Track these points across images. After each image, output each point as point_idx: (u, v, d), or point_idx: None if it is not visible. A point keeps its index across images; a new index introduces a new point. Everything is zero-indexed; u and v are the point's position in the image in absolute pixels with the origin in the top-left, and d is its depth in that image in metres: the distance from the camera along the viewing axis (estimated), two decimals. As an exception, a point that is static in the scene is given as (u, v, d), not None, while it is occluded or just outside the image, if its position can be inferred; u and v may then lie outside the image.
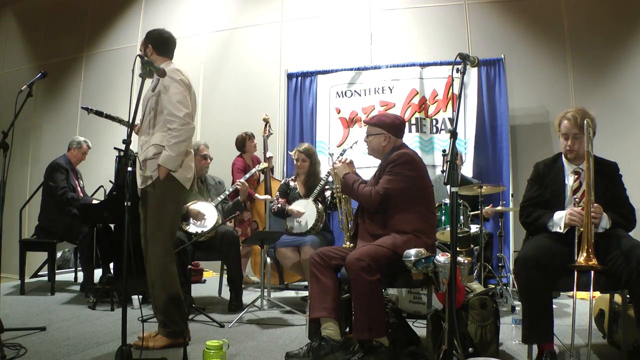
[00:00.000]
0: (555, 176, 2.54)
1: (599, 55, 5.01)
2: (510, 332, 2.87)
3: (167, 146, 2.66)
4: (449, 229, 3.55)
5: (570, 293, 3.53)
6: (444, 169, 4.39)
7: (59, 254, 5.35)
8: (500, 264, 4.28)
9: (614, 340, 2.64)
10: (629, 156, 4.52)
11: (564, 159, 2.57)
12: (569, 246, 2.30)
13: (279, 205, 3.97)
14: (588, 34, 5.07)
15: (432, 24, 5.53)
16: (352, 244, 2.81)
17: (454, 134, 2.10)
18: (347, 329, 2.67)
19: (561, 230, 2.36)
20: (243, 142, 4.95)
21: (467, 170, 4.74)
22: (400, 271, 2.49)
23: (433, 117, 5.03)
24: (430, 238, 2.64)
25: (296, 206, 3.94)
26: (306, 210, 3.90)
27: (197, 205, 3.79)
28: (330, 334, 2.46)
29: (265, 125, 4.79)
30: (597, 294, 2.78)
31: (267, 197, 4.46)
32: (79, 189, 4.70)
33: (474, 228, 3.83)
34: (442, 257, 2.31)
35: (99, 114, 3.36)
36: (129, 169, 2.48)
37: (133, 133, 2.46)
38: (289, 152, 4.13)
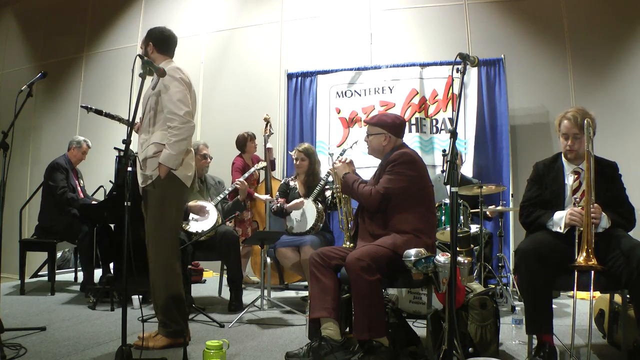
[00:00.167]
0: (555, 176, 2.54)
1: (599, 55, 5.01)
2: (510, 332, 2.87)
3: (168, 144, 2.66)
4: (449, 229, 3.55)
5: (570, 293, 3.54)
6: (444, 169, 4.39)
7: (59, 254, 5.34)
8: (500, 264, 4.28)
9: (614, 340, 2.64)
10: (629, 156, 4.52)
11: (563, 158, 2.57)
12: (569, 245, 2.30)
13: (279, 204, 3.97)
14: (588, 34, 5.07)
15: (432, 24, 5.53)
16: (352, 244, 2.81)
17: (454, 134, 2.10)
18: (347, 329, 2.67)
19: (561, 230, 2.36)
20: (244, 142, 4.95)
21: (467, 170, 4.74)
22: (400, 271, 2.49)
23: (433, 117, 5.03)
24: (430, 238, 2.64)
25: (295, 201, 3.94)
26: (306, 209, 3.90)
27: (197, 204, 3.80)
28: (330, 334, 2.46)
29: (266, 125, 4.79)
30: (597, 294, 2.78)
31: (267, 197, 4.46)
32: (79, 188, 4.70)
33: (474, 228, 3.83)
34: (442, 257, 2.31)
35: (99, 112, 3.36)
36: (129, 168, 2.48)
37: (133, 132, 2.46)
38: (290, 152, 4.13)
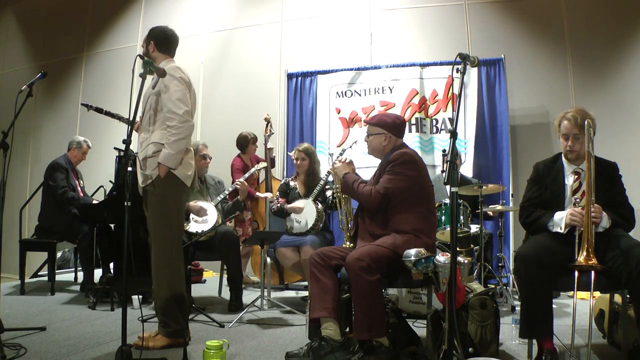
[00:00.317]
0: (555, 176, 2.54)
1: (599, 55, 5.01)
2: (510, 332, 2.86)
3: (167, 144, 2.66)
4: (449, 229, 3.55)
5: (570, 293, 3.55)
6: (444, 169, 4.39)
7: (59, 254, 5.34)
8: (500, 264, 4.28)
9: (614, 340, 2.64)
10: (629, 156, 4.52)
11: (563, 159, 2.57)
12: (570, 246, 2.30)
13: (279, 204, 3.97)
14: (588, 34, 5.07)
15: (432, 24, 5.53)
16: (352, 244, 2.81)
17: (454, 134, 2.10)
18: (347, 329, 2.67)
19: (562, 231, 2.36)
20: (246, 143, 4.92)
21: (467, 170, 4.74)
22: (400, 271, 2.49)
23: (433, 117, 5.03)
24: (430, 238, 2.64)
25: (296, 204, 3.94)
26: (306, 210, 3.90)
27: (197, 204, 3.80)
28: (330, 334, 2.46)
29: (267, 125, 4.77)
30: (597, 294, 2.77)
31: (268, 194, 4.46)
32: (79, 188, 4.70)
33: (474, 228, 3.83)
34: (442, 257, 2.31)
35: (99, 110, 3.37)
36: (129, 168, 2.48)
37: (133, 132, 2.46)
38: (289, 153, 4.13)
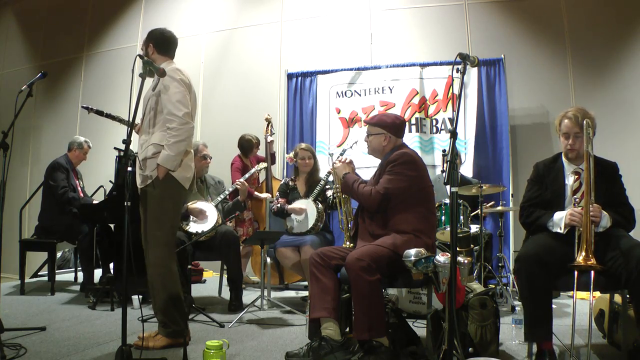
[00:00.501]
0: (555, 176, 2.54)
1: (599, 55, 5.01)
2: (510, 332, 2.86)
3: (166, 145, 2.66)
4: (449, 229, 3.55)
5: (570, 293, 3.54)
6: (444, 169, 4.39)
7: (59, 254, 5.34)
8: (500, 264, 4.28)
9: (614, 340, 2.64)
10: (629, 156, 4.52)
11: (564, 158, 2.57)
12: (570, 246, 2.30)
13: (279, 205, 3.96)
14: (588, 34, 5.07)
15: (432, 24, 5.53)
16: (352, 244, 2.81)
17: (454, 134, 2.10)
18: (347, 329, 2.67)
19: (561, 231, 2.36)
20: (250, 147, 4.89)
21: (467, 170, 4.74)
22: (400, 271, 2.49)
23: (433, 117, 5.03)
24: (430, 238, 2.64)
25: (296, 205, 3.94)
26: (306, 209, 3.90)
27: (197, 205, 3.80)
28: (330, 334, 2.46)
29: (267, 125, 4.77)
30: (597, 294, 2.78)
31: (267, 195, 4.46)
32: (79, 189, 4.70)
33: (474, 228, 3.83)
34: (442, 257, 2.31)
35: (99, 113, 3.36)
36: (129, 169, 2.48)
37: (133, 132, 2.46)
38: (288, 156, 4.11)
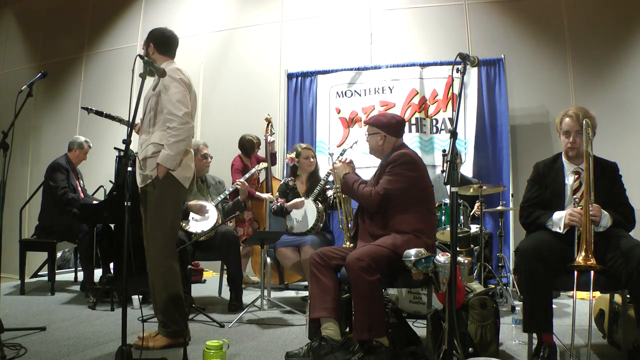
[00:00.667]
0: (555, 176, 2.54)
1: (599, 55, 5.01)
2: (510, 332, 2.87)
3: (166, 145, 2.66)
4: (449, 229, 3.55)
5: (570, 293, 3.54)
6: (444, 169, 4.39)
7: (59, 254, 5.34)
8: (500, 264, 4.28)
9: (614, 340, 2.64)
10: (629, 156, 4.52)
11: (564, 158, 2.57)
12: (570, 245, 2.30)
13: (279, 204, 3.96)
14: (588, 34, 5.07)
15: (432, 24, 5.53)
16: (352, 244, 2.81)
17: (454, 134, 2.10)
18: (347, 329, 2.67)
19: (561, 231, 2.36)
20: (251, 148, 4.89)
21: (467, 170, 4.74)
22: (400, 271, 2.49)
23: (433, 117, 5.03)
24: (430, 238, 2.65)
25: (295, 199, 3.93)
26: (306, 209, 3.90)
27: (197, 203, 3.80)
28: (330, 334, 2.46)
29: (268, 125, 4.76)
30: (597, 294, 2.78)
31: (268, 195, 4.46)
32: (79, 189, 4.70)
33: (474, 228, 3.83)
34: (442, 257, 2.31)
35: (99, 113, 3.37)
36: (129, 169, 2.48)
37: (133, 132, 2.47)
38: (290, 155, 4.11)
